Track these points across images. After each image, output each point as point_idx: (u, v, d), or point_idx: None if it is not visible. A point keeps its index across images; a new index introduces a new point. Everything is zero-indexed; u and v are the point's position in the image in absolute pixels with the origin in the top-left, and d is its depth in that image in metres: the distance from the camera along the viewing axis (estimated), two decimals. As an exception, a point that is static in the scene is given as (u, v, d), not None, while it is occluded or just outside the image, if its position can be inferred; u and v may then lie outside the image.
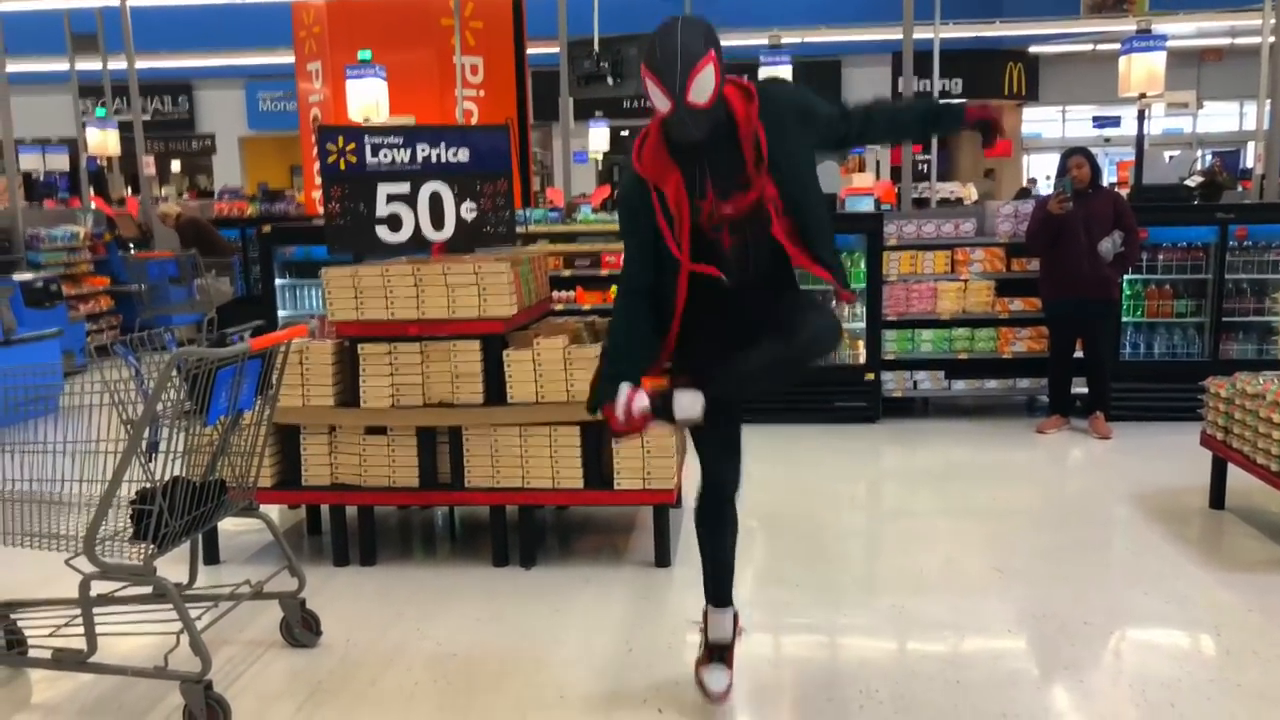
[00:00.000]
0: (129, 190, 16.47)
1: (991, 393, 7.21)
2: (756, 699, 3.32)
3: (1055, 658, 3.57)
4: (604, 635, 3.78)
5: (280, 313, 7.30)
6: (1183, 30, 17.69)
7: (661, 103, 2.64)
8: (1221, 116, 20.83)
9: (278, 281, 7.35)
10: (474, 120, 12.39)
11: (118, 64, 15.03)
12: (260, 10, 14.44)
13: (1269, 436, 4.34)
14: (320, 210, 12.08)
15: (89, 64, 16.13)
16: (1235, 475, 4.88)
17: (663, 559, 4.43)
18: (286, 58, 14.96)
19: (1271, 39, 7.85)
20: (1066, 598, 4.07)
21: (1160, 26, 16.49)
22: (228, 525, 4.51)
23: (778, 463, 6.09)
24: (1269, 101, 7.63)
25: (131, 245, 11.48)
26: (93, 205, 12.55)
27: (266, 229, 7.33)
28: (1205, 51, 19.47)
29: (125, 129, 14.15)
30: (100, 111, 14.57)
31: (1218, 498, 5.03)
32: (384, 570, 4.52)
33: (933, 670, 3.47)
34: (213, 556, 4.58)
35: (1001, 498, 5.52)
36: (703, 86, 2.60)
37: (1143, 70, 7.91)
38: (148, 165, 12.83)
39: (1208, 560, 4.49)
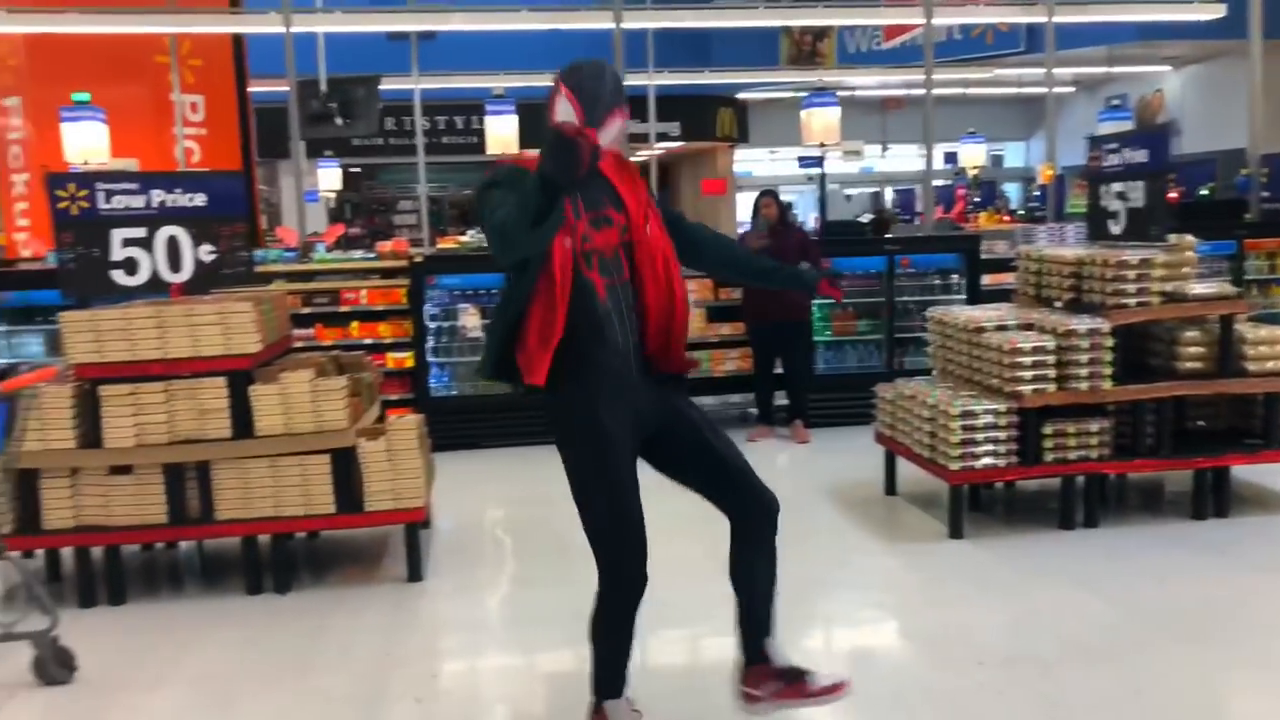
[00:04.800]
0: None
1: (709, 408, 7.98)
2: (514, 691, 3.72)
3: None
4: (362, 644, 4.06)
5: (-5, 361, 6.97)
6: (867, 82, 19.86)
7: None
8: (906, 158, 23.44)
9: (-10, 329, 7.03)
10: (195, 158, 12.11)
11: None
12: (-62, 39, 13.34)
13: (920, 429, 5.25)
14: (22, 253, 11.41)
15: None
16: (903, 465, 5.80)
17: (415, 574, 4.74)
18: (-25, 91, 13.93)
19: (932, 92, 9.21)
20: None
21: (848, 79, 18.47)
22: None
23: (523, 482, 6.54)
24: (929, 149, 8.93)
25: None
26: None
27: (-23, 274, 6.99)
28: (888, 100, 21.88)
29: None
30: None
31: (890, 485, 5.94)
32: (135, 608, 4.57)
33: (673, 643, 3.99)
34: (-58, 611, 4.45)
35: (718, 499, 6.21)
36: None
37: (821, 122, 9.05)
38: None
39: (882, 536, 5.34)
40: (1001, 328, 5.16)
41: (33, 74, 11.80)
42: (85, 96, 9.00)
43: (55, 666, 3.70)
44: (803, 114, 9.24)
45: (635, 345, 2.85)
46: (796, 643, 4.06)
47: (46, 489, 4.47)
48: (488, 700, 3.59)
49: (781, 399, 7.56)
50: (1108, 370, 4.97)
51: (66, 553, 4.79)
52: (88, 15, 10.59)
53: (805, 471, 6.75)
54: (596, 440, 2.82)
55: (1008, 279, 7.71)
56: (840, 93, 10.91)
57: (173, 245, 4.93)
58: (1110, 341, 4.95)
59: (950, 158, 18.18)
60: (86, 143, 8.85)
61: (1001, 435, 4.99)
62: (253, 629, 4.28)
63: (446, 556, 5.10)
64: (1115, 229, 5.63)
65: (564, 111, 2.67)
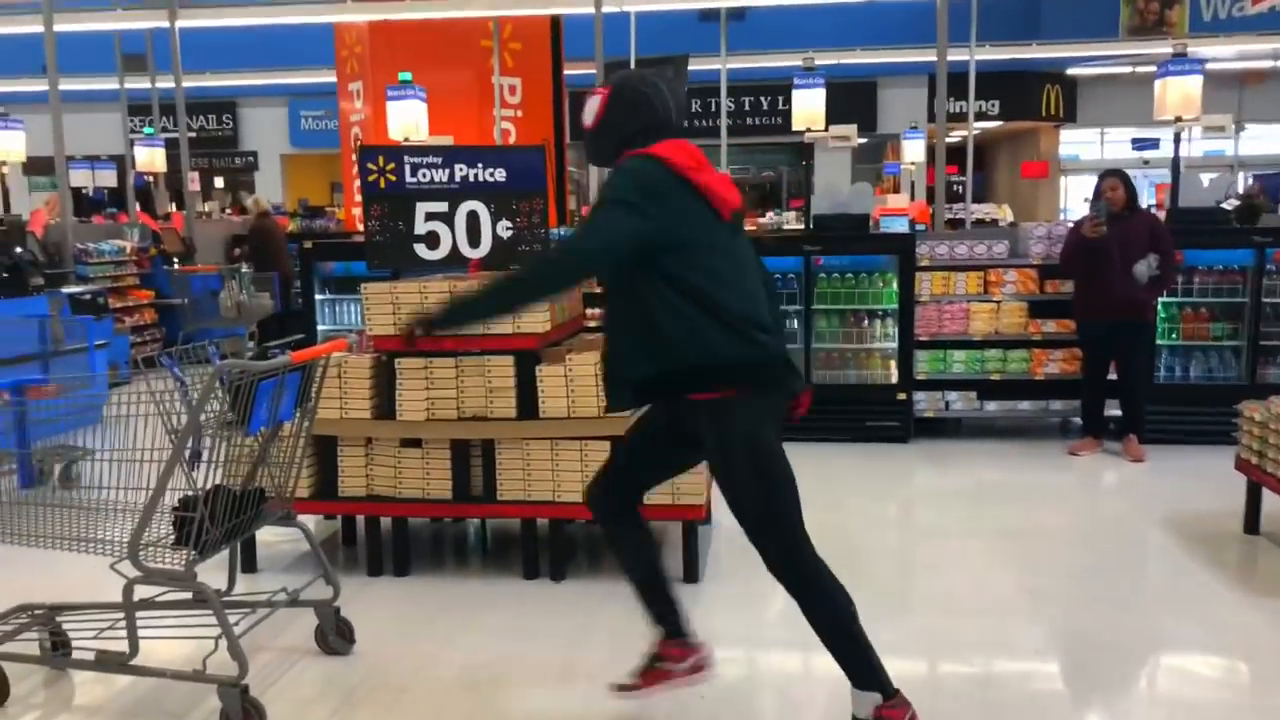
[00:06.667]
0: (173, 206, 16.81)
1: (1024, 414, 7.18)
2: (786, 712, 3.35)
3: (1084, 679, 3.57)
4: (632, 646, 3.78)
5: (320, 327, 7.44)
6: (1224, 53, 17.57)
7: None
8: (1265, 139, 20.62)
9: (317, 296, 7.49)
10: (512, 140, 12.57)
11: (165, 83, 15.39)
12: (303, 31, 14.71)
13: (1303, 460, 4.33)
14: (360, 227, 12.30)
15: (135, 83, 16.54)
16: (1270, 500, 4.85)
17: (691, 574, 4.47)
18: (328, 77, 15.24)
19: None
20: (1097, 620, 4.07)
21: (1200, 49, 16.41)
22: (265, 535, 4.62)
23: (810, 480, 6.10)
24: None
25: (175, 260, 11.72)
26: (138, 220, 12.86)
27: (308, 245, 7.47)
28: (1247, 74, 19.30)
29: (170, 146, 14.48)
30: (149, 130, 14.91)
31: (1252, 522, 4.99)
32: (417, 581, 4.59)
33: (961, 689, 3.48)
34: (250, 565, 4.67)
35: (1034, 519, 5.50)
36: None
37: (1178, 94, 7.89)
38: (192, 182, 13.10)
39: (1240, 585, 4.46)
40: None
41: (373, 60, 12.70)
42: (407, 76, 9.46)
43: (335, 637, 3.73)
44: (1156, 84, 8.09)
45: None
46: (1115, 700, 3.42)
47: (343, 456, 4.58)
48: (761, 729, 3.24)
49: (1112, 409, 6.64)
50: None
51: (361, 521, 4.90)
52: (421, 1, 11.19)
53: (1140, 495, 5.86)
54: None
55: None
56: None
57: (472, 220, 4.90)
58: None
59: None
60: (408, 120, 9.30)
61: None
62: (525, 616, 4.16)
63: (726, 557, 4.78)
64: None
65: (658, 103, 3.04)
